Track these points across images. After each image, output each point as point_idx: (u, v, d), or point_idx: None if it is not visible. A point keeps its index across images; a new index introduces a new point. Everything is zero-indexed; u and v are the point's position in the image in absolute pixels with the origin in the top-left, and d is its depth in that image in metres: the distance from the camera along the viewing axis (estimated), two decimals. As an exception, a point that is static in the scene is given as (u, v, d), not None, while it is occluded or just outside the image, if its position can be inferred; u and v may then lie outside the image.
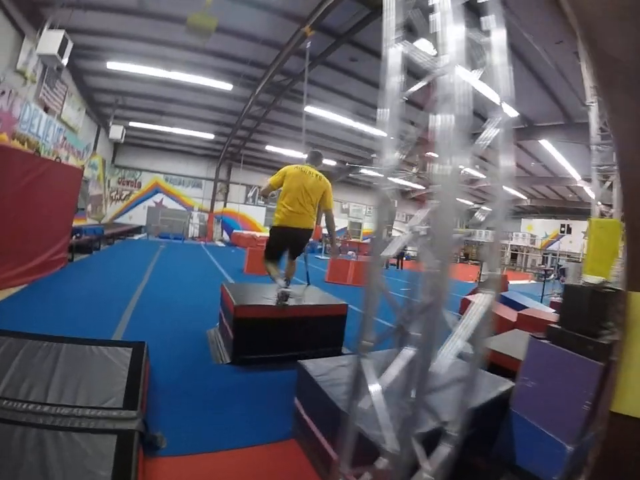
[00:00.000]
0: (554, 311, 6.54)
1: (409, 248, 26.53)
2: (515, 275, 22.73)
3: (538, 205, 30.11)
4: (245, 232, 23.88)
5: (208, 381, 3.67)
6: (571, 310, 2.61)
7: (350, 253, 24.32)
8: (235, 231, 24.15)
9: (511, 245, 33.11)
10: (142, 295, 6.80)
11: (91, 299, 6.07)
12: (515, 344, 3.92)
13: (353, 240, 28.35)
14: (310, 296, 4.96)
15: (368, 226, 32.19)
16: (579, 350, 2.44)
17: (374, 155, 17.22)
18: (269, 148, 21.24)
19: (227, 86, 12.74)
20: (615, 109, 1.71)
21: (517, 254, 33.32)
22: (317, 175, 4.56)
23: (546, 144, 14.36)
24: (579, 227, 28.63)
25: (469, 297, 7.11)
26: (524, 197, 28.36)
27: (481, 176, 21.95)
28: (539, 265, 31.17)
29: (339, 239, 26.34)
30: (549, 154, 15.72)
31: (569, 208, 29.06)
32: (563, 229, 30.49)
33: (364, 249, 26.73)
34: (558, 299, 8.68)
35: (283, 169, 4.53)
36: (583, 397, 2.34)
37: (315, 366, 2.84)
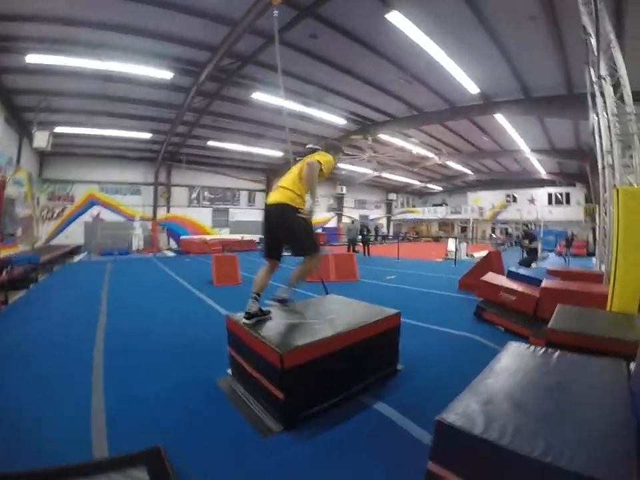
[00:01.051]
0: (557, 279, 6.92)
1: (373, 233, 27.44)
2: (475, 246, 23.90)
3: (483, 178, 31.94)
4: (195, 237, 22.88)
5: (269, 472, 2.50)
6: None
7: None
8: (182, 237, 23.04)
9: (461, 219, 35.25)
10: (107, 337, 5.27)
11: (41, 358, 4.49)
12: (584, 321, 4.06)
13: None
14: (351, 310, 4.12)
15: (320, 216, 32.30)
16: None
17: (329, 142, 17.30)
18: (211, 144, 20.39)
19: (166, 74, 11.62)
20: None
21: (466, 227, 35.11)
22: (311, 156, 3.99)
23: (500, 118, 15.14)
24: (524, 195, 31.59)
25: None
26: (469, 172, 29.84)
27: (429, 154, 23.00)
28: (489, 234, 33.47)
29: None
30: (501, 128, 16.62)
31: (512, 179, 31.29)
32: (508, 198, 33.18)
33: (320, 239, 27.12)
34: (554, 267, 9.15)
35: None
36: None
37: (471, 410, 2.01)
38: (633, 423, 2.08)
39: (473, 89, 12.11)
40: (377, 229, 31.74)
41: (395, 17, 8.28)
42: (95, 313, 6.70)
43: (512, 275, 7.32)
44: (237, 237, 23.60)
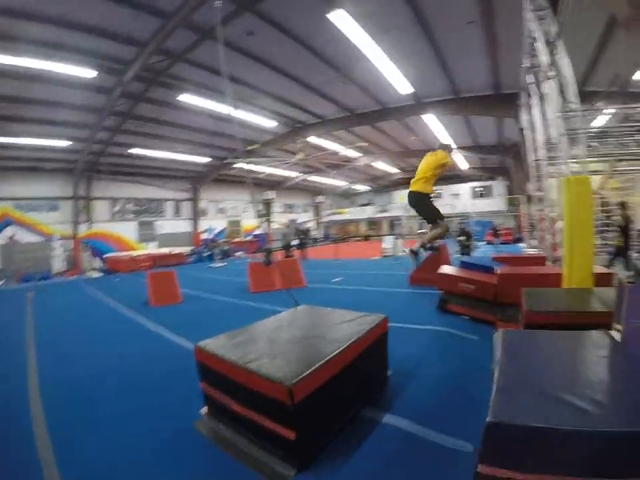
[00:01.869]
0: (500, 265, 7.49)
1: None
2: (408, 242, 24.87)
3: (408, 176, 33.23)
4: (121, 253, 21.25)
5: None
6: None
7: (238, 253, 24.13)
8: (107, 254, 21.29)
9: (389, 217, 36.90)
10: (44, 392, 4.12)
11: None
12: (554, 300, 4.50)
13: (237, 240, 28.11)
14: (336, 321, 3.76)
15: (248, 222, 32.05)
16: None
17: (255, 146, 17.13)
18: (135, 151, 19.25)
19: (88, 73, 10.70)
20: None
21: (394, 224, 36.58)
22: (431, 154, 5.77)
23: (429, 118, 16.09)
24: (448, 190, 33.83)
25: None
26: (395, 171, 31.28)
27: (358, 155, 23.72)
28: (418, 230, 35.19)
29: (222, 241, 25.84)
30: (428, 127, 17.59)
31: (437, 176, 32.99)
32: (433, 194, 34.97)
33: (252, 247, 26.79)
34: (497, 255, 9.83)
35: None
36: None
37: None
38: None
39: (406, 89, 12.65)
40: (308, 232, 32.01)
41: (337, 16, 8.38)
42: (21, 363, 5.23)
43: (465, 265, 7.80)
44: (166, 250, 22.49)
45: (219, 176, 26.51)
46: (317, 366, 2.66)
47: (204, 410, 3.28)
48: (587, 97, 9.98)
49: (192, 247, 24.91)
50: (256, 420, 2.71)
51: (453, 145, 7.53)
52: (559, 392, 2.18)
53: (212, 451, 2.81)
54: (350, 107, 15.81)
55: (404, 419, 3.13)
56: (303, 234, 20.03)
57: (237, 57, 10.85)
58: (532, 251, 12.06)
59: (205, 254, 22.53)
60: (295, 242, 18.91)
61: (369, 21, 8.67)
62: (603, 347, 2.96)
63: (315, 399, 2.62)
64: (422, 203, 5.64)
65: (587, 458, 1.88)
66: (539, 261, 7.88)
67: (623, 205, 8.73)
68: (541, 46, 6.16)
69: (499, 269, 6.90)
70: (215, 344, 3.19)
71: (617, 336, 3.20)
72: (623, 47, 8.41)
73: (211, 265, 18.79)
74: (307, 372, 2.56)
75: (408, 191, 5.86)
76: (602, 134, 7.99)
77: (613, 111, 9.33)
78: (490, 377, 2.53)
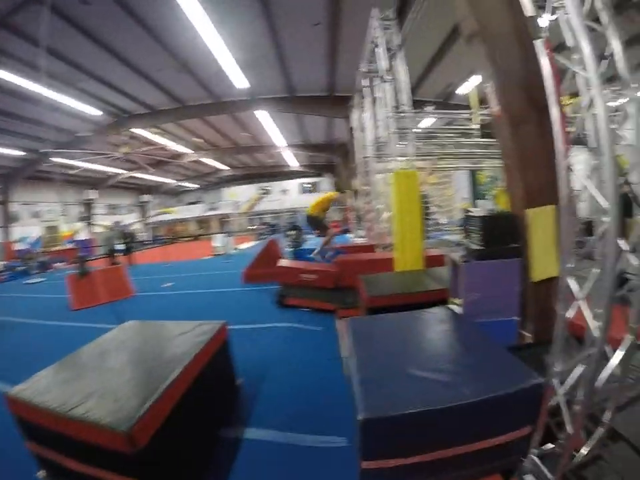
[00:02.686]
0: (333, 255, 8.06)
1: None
2: (239, 239, 24.97)
3: (238, 173, 33.50)
4: None
5: None
6: (491, 232, 3.65)
7: (58, 264, 20.47)
8: None
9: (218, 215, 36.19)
10: None
11: None
12: (392, 283, 4.95)
13: (56, 249, 23.79)
14: (170, 335, 3.29)
15: (68, 228, 27.26)
16: (503, 256, 3.56)
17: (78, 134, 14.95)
18: None
19: None
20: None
21: (224, 222, 36.16)
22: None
23: (262, 115, 16.20)
24: (277, 187, 34.91)
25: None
26: (225, 167, 30.85)
27: (186, 151, 22.74)
28: (248, 227, 35.48)
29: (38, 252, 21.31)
30: (260, 124, 17.74)
31: (266, 172, 33.86)
32: (263, 191, 35.83)
33: (73, 255, 22.56)
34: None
35: None
36: (515, 283, 3.54)
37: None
38: (489, 340, 2.80)
39: (241, 83, 12.36)
40: (133, 235, 28.78)
41: None
42: None
43: (302, 257, 8.13)
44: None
45: (35, 173, 21.67)
46: (156, 396, 2.22)
47: (41, 474, 2.50)
48: (417, 103, 11.31)
49: (3, 262, 19.29)
50: (102, 477, 2.16)
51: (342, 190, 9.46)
52: (418, 372, 2.33)
53: None
54: (181, 98, 14.72)
55: (267, 430, 2.98)
56: (128, 237, 18.03)
57: (66, 28, 8.88)
58: (360, 240, 13.19)
59: (20, 268, 18.37)
60: (120, 247, 16.93)
61: (215, 7, 8.07)
62: (447, 321, 3.34)
63: (164, 434, 2.22)
64: (316, 222, 8.10)
65: (458, 428, 2.08)
66: (369, 248, 8.64)
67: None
68: (382, 53, 6.73)
69: (337, 257, 7.39)
70: (32, 389, 2.43)
71: (457, 309, 3.68)
72: (456, 60, 9.61)
73: (27, 282, 15.33)
74: (146, 407, 2.11)
75: (306, 214, 8.34)
76: (425, 136, 9.16)
77: (437, 115, 10.74)
78: (342, 366, 2.51)
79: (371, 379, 2.30)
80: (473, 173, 18.28)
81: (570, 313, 2.20)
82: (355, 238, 15.47)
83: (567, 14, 1.98)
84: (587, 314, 2.05)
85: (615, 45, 1.98)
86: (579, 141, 2.08)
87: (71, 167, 19.39)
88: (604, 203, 1.85)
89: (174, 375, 2.43)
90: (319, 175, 33.54)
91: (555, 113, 2.06)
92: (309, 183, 34.93)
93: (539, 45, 2.21)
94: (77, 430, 2.10)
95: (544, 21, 2.19)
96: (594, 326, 1.99)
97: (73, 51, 10.08)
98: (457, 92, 13.11)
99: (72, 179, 23.60)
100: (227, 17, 8.54)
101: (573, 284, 2.14)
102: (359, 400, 2.05)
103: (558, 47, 2.16)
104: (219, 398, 3.24)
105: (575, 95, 2.09)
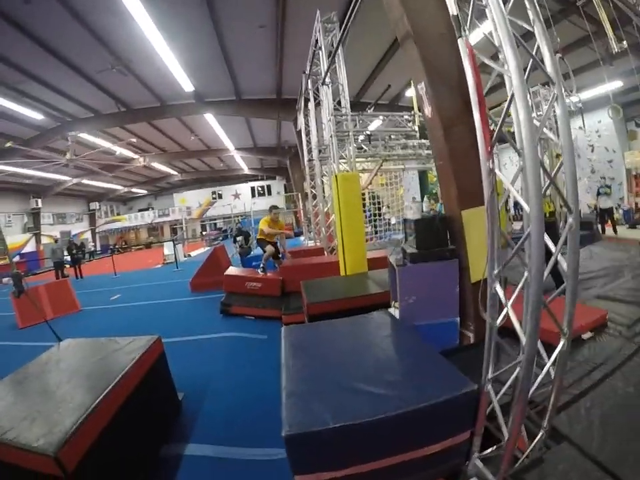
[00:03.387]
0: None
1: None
2: (190, 246, 24.32)
3: (188, 178, 32.54)
4: None
5: None
6: (425, 235, 3.62)
7: (5, 279, 18.63)
8: None
9: (170, 221, 34.92)
10: None
11: None
12: (334, 289, 4.84)
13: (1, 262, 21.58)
14: (103, 354, 3.16)
15: (13, 240, 25.16)
16: (439, 258, 3.53)
17: (9, 144, 13.89)
18: None
19: None
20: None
21: (175, 228, 34.93)
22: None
23: (210, 118, 15.78)
24: (229, 191, 34.23)
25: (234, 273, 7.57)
26: (175, 172, 29.85)
27: (134, 156, 21.79)
28: (200, 232, 34.51)
29: None
30: (209, 127, 17.30)
31: (217, 176, 33.15)
32: (214, 195, 34.89)
33: (20, 269, 20.45)
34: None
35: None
36: (454, 285, 3.52)
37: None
38: (425, 346, 2.73)
39: (187, 86, 11.94)
40: (83, 246, 26.85)
41: None
42: None
43: (249, 264, 7.95)
44: None
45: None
46: (84, 416, 2.14)
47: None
48: (362, 105, 11.35)
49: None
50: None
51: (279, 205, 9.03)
52: (350, 383, 2.26)
53: None
54: (127, 101, 13.87)
55: (208, 445, 2.91)
56: (76, 248, 16.96)
57: (8, 28, 8.15)
58: (311, 243, 13.09)
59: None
60: (67, 258, 15.90)
61: (158, 7, 7.68)
62: (384, 326, 3.27)
63: (96, 455, 2.14)
64: (260, 243, 7.57)
65: (390, 438, 2.01)
66: (319, 251, 8.58)
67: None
68: (323, 55, 6.62)
69: (282, 262, 7.29)
70: None
71: (395, 313, 3.60)
72: (401, 62, 9.75)
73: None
74: (74, 429, 2.03)
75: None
76: (372, 137, 9.14)
77: (382, 118, 10.79)
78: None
79: (300, 391, 2.23)
80: (424, 173, 18.59)
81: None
82: (307, 241, 15.37)
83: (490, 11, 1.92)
84: (515, 321, 1.99)
85: (544, 51, 1.97)
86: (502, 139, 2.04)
87: (13, 175, 18.09)
88: (526, 207, 1.78)
89: (103, 394, 2.37)
90: (271, 178, 33.17)
91: (476, 114, 1.98)
92: (261, 186, 34.48)
93: (460, 43, 2.13)
94: (8, 455, 2.06)
95: (467, 20, 2.14)
96: (521, 333, 1.93)
97: (11, 50, 9.21)
98: (406, 94, 13.20)
99: (14, 187, 22.19)
100: (171, 18, 8.17)
101: (499, 290, 2.08)
102: (284, 415, 1.99)
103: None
104: (158, 414, 3.15)
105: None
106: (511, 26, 1.85)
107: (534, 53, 1.94)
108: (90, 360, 3.12)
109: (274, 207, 7.73)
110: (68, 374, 2.87)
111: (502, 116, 1.89)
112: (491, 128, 2.02)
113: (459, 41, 2.13)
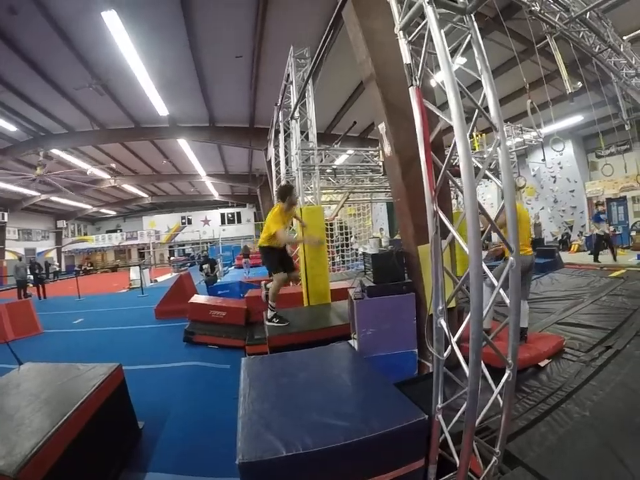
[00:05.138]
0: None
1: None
2: (157, 271, 23.78)
3: (159, 201, 32.12)
4: None
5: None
6: (382, 269, 3.71)
7: None
8: None
9: (137, 244, 34.19)
10: None
11: None
12: (296, 320, 4.82)
13: None
14: (62, 380, 3.11)
15: None
16: (396, 292, 3.61)
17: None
18: None
19: None
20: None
21: (143, 252, 34.20)
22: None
23: (183, 143, 15.82)
24: (198, 216, 33.90)
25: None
26: (145, 195, 29.41)
27: (105, 176, 21.42)
28: (168, 257, 33.76)
29: None
30: (181, 152, 17.29)
31: (187, 201, 32.86)
32: (184, 220, 34.50)
33: None
34: (246, 279, 10.20)
35: None
36: (411, 317, 3.61)
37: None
38: (379, 377, 2.76)
39: (162, 110, 11.95)
40: (47, 265, 25.52)
41: (111, 17, 7.15)
42: None
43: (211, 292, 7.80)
44: None
45: None
46: (45, 439, 2.16)
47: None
48: (332, 137, 11.57)
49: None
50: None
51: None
52: (302, 413, 2.29)
53: None
54: (102, 121, 13.65)
55: (167, 474, 2.86)
56: (39, 268, 16.31)
57: None
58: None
59: None
60: (30, 277, 15.25)
61: (139, 31, 7.76)
62: (343, 358, 3.29)
63: (57, 477, 2.17)
64: (265, 256, 5.05)
65: (342, 466, 2.02)
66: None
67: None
68: (294, 90, 6.79)
69: (248, 292, 7.19)
70: None
71: (355, 344, 3.63)
72: (367, 101, 10.09)
73: None
74: (34, 450, 2.05)
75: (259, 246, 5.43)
76: (339, 170, 9.34)
77: (350, 151, 11.04)
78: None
79: (255, 421, 2.23)
80: (392, 205, 19.04)
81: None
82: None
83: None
84: (459, 355, 2.05)
85: (489, 99, 2.10)
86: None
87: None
88: (466, 249, 1.87)
89: (62, 420, 2.38)
90: (241, 205, 33.11)
91: (422, 158, 2.09)
92: (230, 213, 34.34)
93: (411, 92, 2.26)
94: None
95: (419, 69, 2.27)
96: (466, 366, 1.99)
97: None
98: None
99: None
100: (151, 40, 8.24)
101: (444, 324, 2.15)
102: (239, 444, 2.00)
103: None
104: (118, 442, 3.13)
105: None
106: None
107: (479, 102, 2.08)
108: (50, 385, 3.08)
109: (287, 188, 5.02)
110: (28, 398, 2.83)
111: (446, 160, 2.00)
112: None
113: (410, 89, 2.26)
